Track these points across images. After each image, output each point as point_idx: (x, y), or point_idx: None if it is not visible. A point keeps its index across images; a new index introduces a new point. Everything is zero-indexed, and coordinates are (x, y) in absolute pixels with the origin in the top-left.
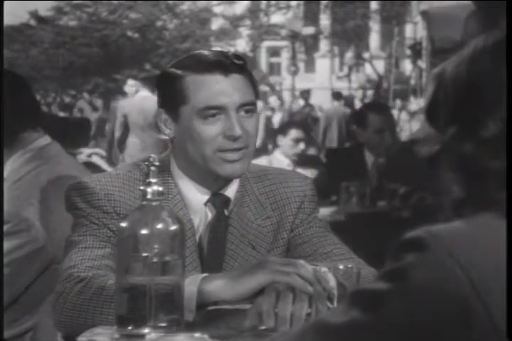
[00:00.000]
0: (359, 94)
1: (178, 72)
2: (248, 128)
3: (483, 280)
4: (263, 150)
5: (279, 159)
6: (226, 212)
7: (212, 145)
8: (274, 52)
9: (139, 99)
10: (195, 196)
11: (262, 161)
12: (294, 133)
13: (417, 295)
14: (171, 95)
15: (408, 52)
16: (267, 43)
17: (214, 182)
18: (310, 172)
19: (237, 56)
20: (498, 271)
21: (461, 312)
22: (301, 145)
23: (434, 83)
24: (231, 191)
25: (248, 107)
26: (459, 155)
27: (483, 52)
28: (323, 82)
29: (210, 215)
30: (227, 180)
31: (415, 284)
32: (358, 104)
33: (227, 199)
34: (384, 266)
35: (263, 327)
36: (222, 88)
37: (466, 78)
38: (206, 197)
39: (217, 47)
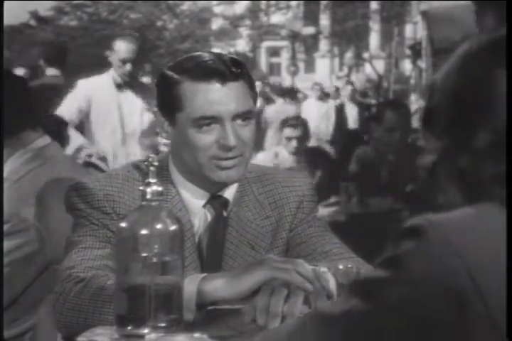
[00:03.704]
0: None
1: (176, 76)
2: (244, 137)
3: (481, 268)
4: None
5: (285, 156)
6: (225, 213)
7: (206, 154)
8: (274, 52)
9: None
10: (194, 198)
11: (268, 155)
12: (287, 131)
13: (414, 282)
14: (167, 100)
15: (408, 52)
16: (266, 43)
17: (212, 185)
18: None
19: (236, 62)
20: (497, 259)
21: (457, 300)
22: (293, 143)
23: (427, 93)
24: (230, 192)
25: (245, 117)
26: (455, 165)
27: (470, 59)
28: (323, 82)
29: (209, 217)
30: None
31: (412, 271)
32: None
33: (226, 201)
34: (383, 254)
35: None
36: (218, 97)
37: (454, 87)
38: (205, 200)
39: (218, 47)
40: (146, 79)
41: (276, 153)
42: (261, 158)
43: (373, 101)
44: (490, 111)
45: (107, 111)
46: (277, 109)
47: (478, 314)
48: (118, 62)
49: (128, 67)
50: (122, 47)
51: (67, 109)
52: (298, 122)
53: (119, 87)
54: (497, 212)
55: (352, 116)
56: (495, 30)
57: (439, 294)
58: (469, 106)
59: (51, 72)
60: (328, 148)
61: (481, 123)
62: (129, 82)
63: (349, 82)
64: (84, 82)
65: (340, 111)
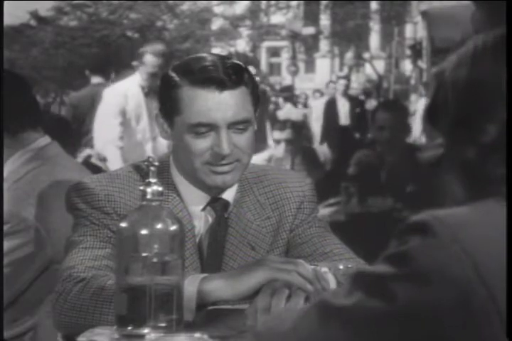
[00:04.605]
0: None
1: (177, 79)
2: (240, 144)
3: (487, 264)
4: None
5: (277, 158)
6: (226, 215)
7: (201, 159)
8: (274, 52)
9: None
10: (195, 200)
11: (263, 155)
12: (276, 134)
13: (421, 279)
14: (167, 102)
15: (408, 52)
16: (267, 43)
17: (210, 189)
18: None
19: (238, 69)
20: (503, 254)
21: (464, 296)
22: (282, 146)
23: (433, 84)
24: (230, 193)
25: (241, 125)
26: (460, 160)
27: (483, 53)
28: (324, 82)
29: (210, 218)
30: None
31: (419, 268)
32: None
33: (227, 203)
34: (388, 249)
35: None
36: (215, 105)
37: (466, 81)
38: (205, 202)
39: (218, 47)
40: None
41: (271, 154)
42: (256, 159)
43: (363, 97)
44: (500, 105)
45: (137, 119)
46: (285, 111)
47: (485, 308)
48: (146, 75)
49: (157, 81)
50: (152, 62)
51: (110, 128)
52: (285, 125)
53: (146, 94)
54: (502, 208)
55: (344, 112)
56: (489, 29)
57: (445, 289)
58: (480, 99)
59: (96, 80)
60: (324, 148)
61: (491, 116)
62: (155, 90)
63: (344, 77)
64: (111, 92)
65: (331, 106)
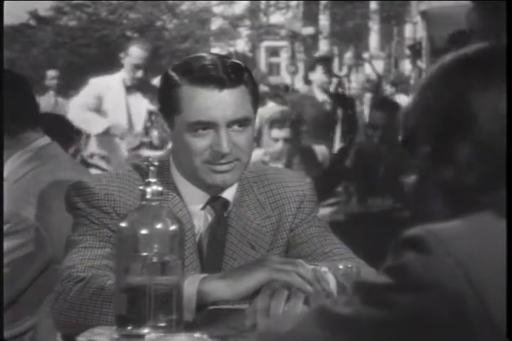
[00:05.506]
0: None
1: (176, 78)
2: (239, 143)
3: (481, 277)
4: None
5: (273, 156)
6: (225, 214)
7: (200, 158)
8: (274, 52)
9: None
10: (194, 199)
11: (258, 153)
12: (275, 132)
13: (417, 291)
14: (167, 102)
15: (407, 52)
16: (266, 43)
17: (209, 188)
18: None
19: (237, 68)
20: (496, 268)
21: (458, 305)
22: (279, 145)
23: (402, 122)
24: (230, 192)
25: (241, 122)
26: (441, 180)
27: (441, 77)
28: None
29: (209, 218)
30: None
31: (415, 280)
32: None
33: (226, 202)
34: (385, 262)
35: None
36: (214, 103)
37: (432, 106)
38: (205, 201)
39: (217, 47)
40: (155, 81)
41: (265, 152)
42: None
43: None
44: (470, 123)
45: (116, 112)
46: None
47: (478, 316)
48: (131, 67)
49: (139, 73)
50: (136, 53)
51: (76, 104)
52: (284, 123)
53: (128, 88)
54: (495, 221)
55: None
56: (483, 29)
57: (440, 300)
58: (449, 120)
59: (51, 73)
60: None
61: (462, 135)
62: (137, 85)
63: (335, 75)
64: (95, 80)
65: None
